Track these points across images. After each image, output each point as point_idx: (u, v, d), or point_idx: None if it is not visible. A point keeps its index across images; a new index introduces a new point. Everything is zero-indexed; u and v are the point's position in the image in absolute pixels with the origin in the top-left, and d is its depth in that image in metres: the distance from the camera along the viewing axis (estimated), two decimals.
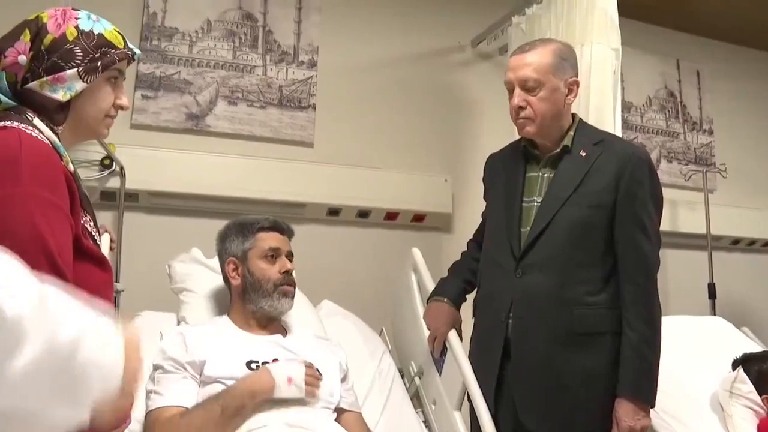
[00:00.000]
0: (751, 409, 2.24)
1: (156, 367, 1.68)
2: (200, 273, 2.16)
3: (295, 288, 1.93)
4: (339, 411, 1.78)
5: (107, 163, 2.64)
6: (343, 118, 3.16)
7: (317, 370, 1.76)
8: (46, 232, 1.06)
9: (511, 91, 1.87)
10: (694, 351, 2.55)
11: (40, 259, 1.04)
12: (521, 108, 1.83)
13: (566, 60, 1.86)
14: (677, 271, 3.56)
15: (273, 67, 3.06)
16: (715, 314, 3.35)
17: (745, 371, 2.29)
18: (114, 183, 2.67)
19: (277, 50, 3.08)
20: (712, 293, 3.50)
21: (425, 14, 3.40)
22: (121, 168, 2.66)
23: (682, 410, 2.26)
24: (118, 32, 1.30)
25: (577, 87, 1.89)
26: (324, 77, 3.13)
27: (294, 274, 1.94)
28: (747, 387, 2.25)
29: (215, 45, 2.98)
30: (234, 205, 2.78)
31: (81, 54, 1.22)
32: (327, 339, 2.02)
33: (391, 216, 3.14)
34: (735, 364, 2.36)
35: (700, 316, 2.97)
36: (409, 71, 3.32)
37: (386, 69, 3.28)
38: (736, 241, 3.96)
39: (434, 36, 3.40)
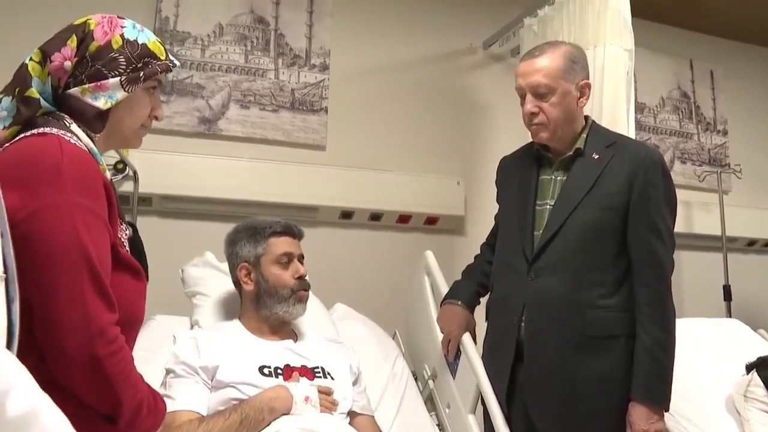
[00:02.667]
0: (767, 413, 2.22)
1: (168, 372, 1.69)
2: (213, 277, 2.17)
3: (308, 292, 1.93)
4: (351, 414, 1.77)
5: (120, 167, 2.65)
6: (356, 121, 3.16)
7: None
8: (88, 242, 1.06)
9: (522, 98, 1.86)
10: (709, 353, 2.53)
11: (82, 268, 1.05)
12: (534, 114, 1.83)
13: (576, 63, 1.85)
14: (692, 273, 3.53)
15: (285, 71, 3.06)
16: (730, 316, 3.33)
17: (759, 375, 2.27)
18: (127, 187, 2.68)
19: (289, 54, 3.09)
20: (727, 295, 3.48)
21: (436, 17, 3.39)
22: (134, 172, 2.68)
23: (698, 413, 2.24)
24: (160, 43, 1.30)
25: (589, 89, 1.88)
26: (336, 80, 3.13)
27: (307, 277, 1.94)
28: (761, 390, 2.23)
29: (227, 49, 2.99)
30: (247, 209, 2.79)
31: (125, 63, 1.22)
32: (339, 342, 2.02)
33: (403, 219, 3.13)
34: (749, 368, 2.34)
35: (715, 318, 2.95)
36: (420, 74, 3.32)
37: (398, 72, 3.28)
38: (751, 242, 3.93)
39: (446, 38, 3.40)
